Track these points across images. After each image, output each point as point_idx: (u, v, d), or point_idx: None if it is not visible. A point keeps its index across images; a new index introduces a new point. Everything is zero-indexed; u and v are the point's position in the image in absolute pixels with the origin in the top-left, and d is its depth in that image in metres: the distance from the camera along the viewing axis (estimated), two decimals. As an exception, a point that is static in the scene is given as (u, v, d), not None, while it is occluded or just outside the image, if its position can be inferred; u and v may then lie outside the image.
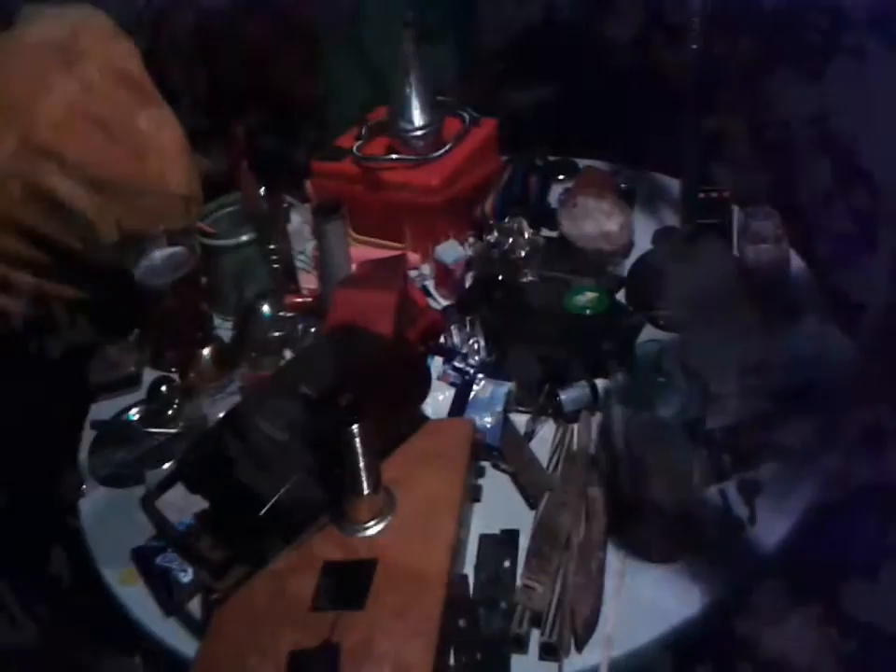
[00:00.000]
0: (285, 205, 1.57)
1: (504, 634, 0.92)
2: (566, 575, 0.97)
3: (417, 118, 1.54)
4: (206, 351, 1.33)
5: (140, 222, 1.25)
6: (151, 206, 1.28)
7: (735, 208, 1.51)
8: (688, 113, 1.39)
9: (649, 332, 1.30)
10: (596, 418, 1.18)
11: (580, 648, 0.91)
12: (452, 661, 0.90)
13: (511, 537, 1.04)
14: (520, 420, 1.20)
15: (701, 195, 1.47)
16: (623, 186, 1.63)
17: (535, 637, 0.92)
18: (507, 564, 1.00)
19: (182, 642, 0.98)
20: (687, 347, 1.18)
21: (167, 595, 1.03)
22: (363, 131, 1.65)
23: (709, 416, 1.01)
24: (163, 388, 1.27)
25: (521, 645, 0.91)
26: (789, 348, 1.20)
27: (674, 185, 1.61)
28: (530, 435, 1.19)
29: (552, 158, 1.75)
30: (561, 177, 1.74)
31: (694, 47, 1.35)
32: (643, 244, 1.53)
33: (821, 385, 1.13)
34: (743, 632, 1.04)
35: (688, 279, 1.38)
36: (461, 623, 0.93)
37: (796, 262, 1.41)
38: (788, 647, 1.00)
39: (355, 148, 1.59)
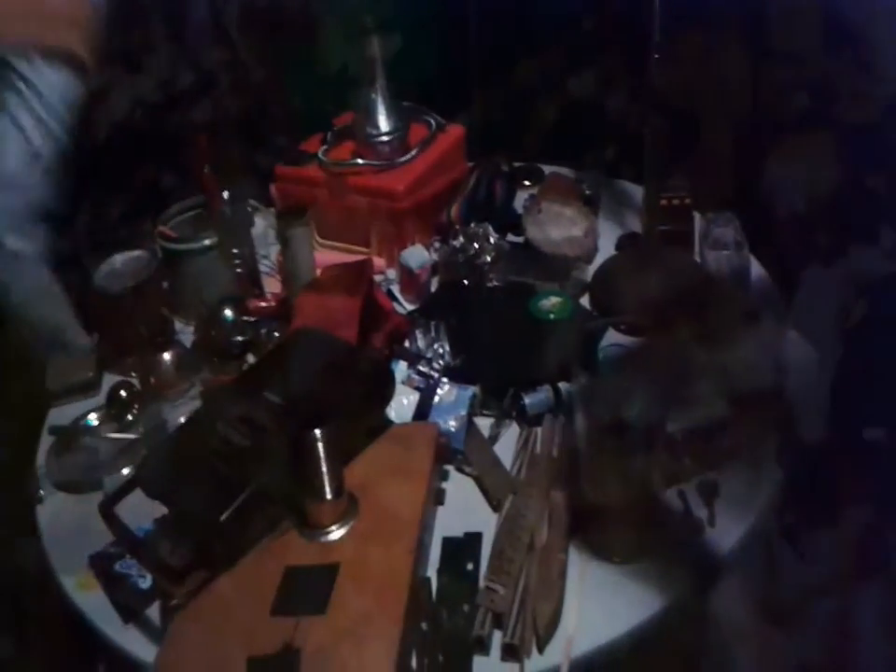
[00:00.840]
0: (248, 209, 1.56)
1: (466, 636, 0.92)
2: (528, 577, 0.97)
3: (383, 123, 1.54)
4: (167, 356, 1.31)
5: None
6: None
7: (697, 215, 1.53)
8: (650, 121, 1.40)
9: (612, 337, 1.31)
10: (560, 422, 1.18)
11: (541, 648, 0.92)
12: (414, 663, 0.90)
13: (474, 539, 1.04)
14: (484, 424, 1.20)
15: (663, 202, 1.49)
16: (587, 192, 1.65)
17: (497, 638, 0.92)
18: (470, 566, 1.00)
19: (141, 648, 0.97)
20: (649, 352, 1.19)
21: (126, 601, 1.01)
22: (329, 136, 1.65)
23: (670, 420, 1.02)
24: (123, 393, 1.25)
25: (483, 646, 0.92)
26: (748, 353, 1.21)
27: (637, 191, 1.63)
28: (494, 438, 1.19)
29: (517, 164, 1.76)
30: (526, 183, 1.75)
31: (656, 56, 1.36)
32: (607, 249, 1.54)
33: (780, 389, 1.15)
34: (702, 631, 1.04)
35: (650, 285, 1.39)
36: (423, 625, 0.93)
37: (756, 268, 1.43)
38: (745, 645, 1.01)
39: (320, 153, 1.59)
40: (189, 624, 0.91)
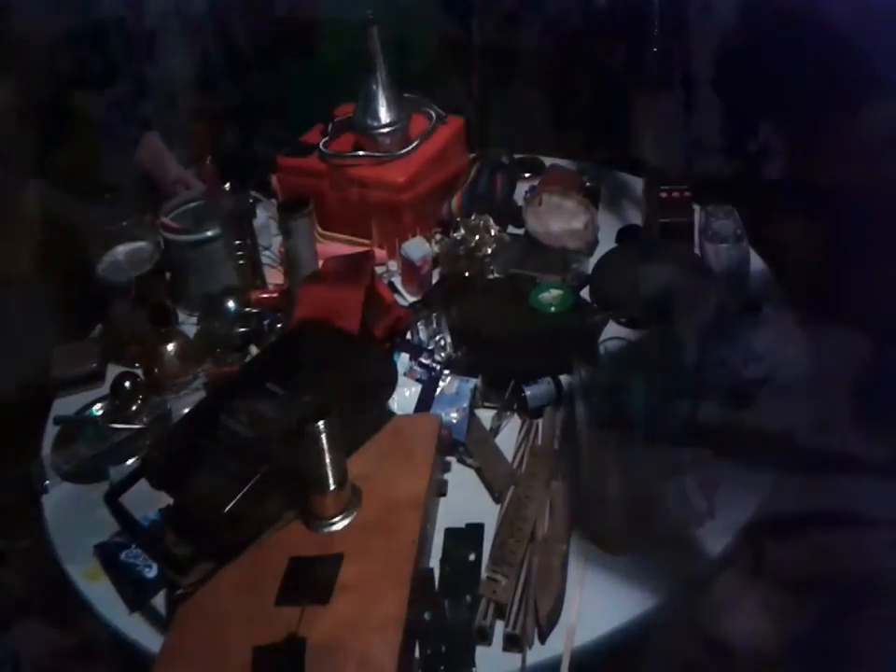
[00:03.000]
0: (250, 201, 1.56)
1: (469, 626, 0.93)
2: (529, 567, 0.98)
3: (384, 115, 1.54)
4: (170, 347, 1.32)
5: None
6: None
7: (697, 207, 1.53)
8: (650, 113, 1.41)
9: (612, 329, 1.32)
10: (560, 414, 1.19)
11: (543, 639, 0.93)
12: (417, 653, 0.91)
13: (476, 530, 1.05)
14: (485, 416, 1.21)
15: (663, 194, 1.49)
16: (587, 184, 1.65)
17: (499, 628, 0.93)
18: (472, 557, 1.01)
19: (146, 638, 0.98)
20: (649, 344, 1.20)
21: (131, 590, 1.02)
22: (329, 127, 1.65)
23: (670, 412, 1.03)
24: (127, 384, 1.25)
25: (485, 637, 0.93)
26: (748, 345, 1.22)
27: (637, 184, 1.63)
28: (495, 430, 1.20)
29: (518, 156, 1.77)
30: (527, 175, 1.75)
31: (655, 49, 1.37)
32: (607, 242, 1.54)
33: (779, 381, 1.16)
34: (702, 622, 1.06)
35: (651, 277, 1.40)
36: (426, 616, 0.94)
37: (755, 261, 1.43)
38: (745, 636, 1.03)
39: (321, 144, 1.59)
40: (195, 613, 0.92)
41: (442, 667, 0.90)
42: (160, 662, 0.88)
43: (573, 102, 1.89)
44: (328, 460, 0.96)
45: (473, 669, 0.90)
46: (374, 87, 1.54)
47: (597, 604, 0.96)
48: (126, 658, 0.99)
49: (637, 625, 0.95)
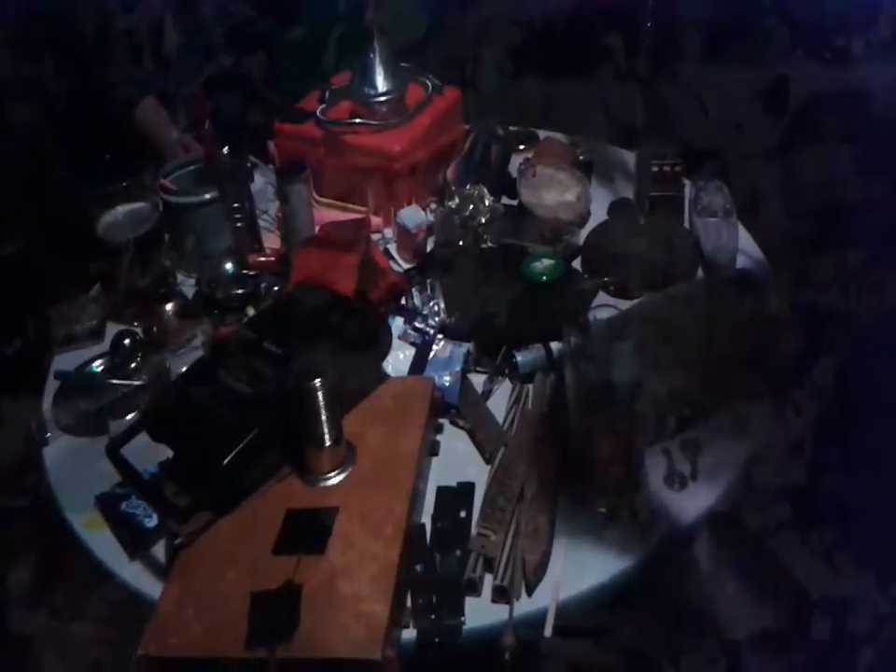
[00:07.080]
0: (248, 165, 1.57)
1: (459, 578, 0.96)
2: (518, 525, 1.02)
3: (381, 83, 1.55)
4: (169, 306, 1.34)
5: None
6: None
7: (687, 182, 1.56)
8: (643, 88, 1.43)
9: (602, 299, 1.35)
10: (550, 379, 1.22)
11: (529, 592, 0.97)
12: (409, 602, 0.94)
13: (467, 489, 1.08)
14: (477, 380, 1.24)
15: (655, 168, 1.52)
16: (581, 157, 1.67)
17: (488, 581, 0.97)
18: (463, 514, 1.05)
19: (146, 584, 1.01)
20: (637, 313, 1.23)
21: (132, 539, 1.05)
22: (327, 94, 1.66)
23: (656, 379, 1.06)
24: (126, 342, 1.27)
25: (474, 588, 0.96)
26: (733, 316, 1.25)
27: (630, 158, 1.66)
28: (487, 394, 1.23)
29: (513, 128, 1.78)
30: (521, 147, 1.77)
31: (648, 24, 1.38)
32: (599, 214, 1.56)
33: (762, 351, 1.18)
34: (680, 581, 1.09)
35: (641, 249, 1.43)
36: (418, 567, 0.98)
37: (743, 235, 1.46)
38: (721, 596, 1.06)
39: (318, 111, 1.60)
40: (194, 561, 0.95)
41: (433, 616, 0.94)
42: (160, 607, 0.91)
43: (569, 75, 1.90)
44: (323, 417, 0.98)
45: (462, 618, 0.94)
46: (372, 55, 1.54)
47: (582, 560, 1.00)
48: (126, 604, 1.02)
49: (620, 581, 0.98)
